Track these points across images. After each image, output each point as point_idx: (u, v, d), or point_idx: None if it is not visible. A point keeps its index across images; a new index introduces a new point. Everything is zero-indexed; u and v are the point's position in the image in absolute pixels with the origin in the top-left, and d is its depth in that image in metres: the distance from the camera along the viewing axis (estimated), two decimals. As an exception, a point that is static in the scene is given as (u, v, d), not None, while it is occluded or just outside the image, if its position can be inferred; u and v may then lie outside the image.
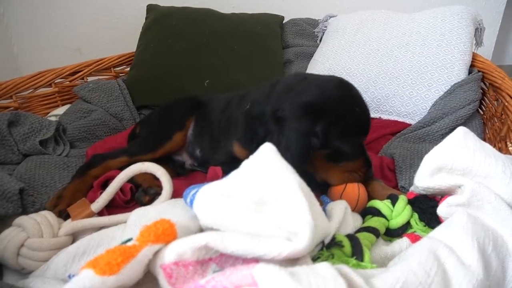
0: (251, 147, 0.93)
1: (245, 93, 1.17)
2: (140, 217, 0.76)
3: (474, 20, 1.59)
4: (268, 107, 0.95)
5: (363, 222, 0.82)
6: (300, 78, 0.99)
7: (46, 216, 0.86)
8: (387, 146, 1.30)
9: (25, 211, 1.02)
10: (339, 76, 1.02)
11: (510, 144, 1.09)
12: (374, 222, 0.78)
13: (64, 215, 0.96)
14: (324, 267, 0.48)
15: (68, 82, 1.67)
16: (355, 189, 0.90)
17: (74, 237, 0.88)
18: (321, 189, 0.95)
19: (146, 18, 1.93)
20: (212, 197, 0.64)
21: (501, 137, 1.17)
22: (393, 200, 0.83)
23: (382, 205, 0.82)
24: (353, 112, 0.89)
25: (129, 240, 0.57)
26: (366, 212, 0.84)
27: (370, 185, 0.97)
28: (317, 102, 0.88)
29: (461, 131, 0.78)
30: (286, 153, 0.81)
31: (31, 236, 0.80)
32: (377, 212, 0.81)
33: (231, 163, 0.71)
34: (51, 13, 2.28)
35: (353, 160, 0.92)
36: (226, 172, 0.70)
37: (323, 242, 0.64)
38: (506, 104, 1.22)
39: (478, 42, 1.64)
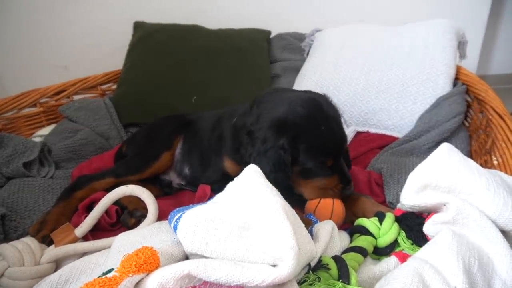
0: (240, 160, 0.98)
1: (236, 109, 1.18)
2: (124, 243, 0.75)
3: (457, 33, 1.62)
4: (248, 119, 0.98)
5: (351, 241, 0.81)
6: (279, 93, 1.04)
7: (28, 243, 0.84)
8: (375, 160, 1.30)
9: (7, 237, 1.00)
10: (324, 90, 1.04)
11: (495, 157, 1.10)
12: (361, 241, 0.78)
13: (47, 241, 0.94)
14: (307, 296, 0.47)
15: (53, 102, 1.65)
16: (328, 204, 0.91)
17: (57, 263, 0.86)
18: (298, 203, 0.94)
19: (132, 36, 1.93)
20: (196, 223, 0.63)
21: (486, 150, 1.18)
22: (381, 218, 0.82)
23: (370, 223, 0.81)
24: (319, 129, 0.90)
25: (110, 271, 0.56)
26: (354, 230, 0.83)
27: (359, 202, 0.96)
28: (282, 117, 0.91)
29: (445, 148, 0.78)
30: (258, 163, 0.86)
31: (12, 265, 0.78)
32: (364, 231, 0.81)
33: (221, 182, 0.70)
34: (37, 30, 2.27)
35: (325, 177, 0.93)
36: (216, 191, 0.70)
37: (309, 264, 0.63)
38: (490, 116, 1.24)
39: (462, 55, 1.66)
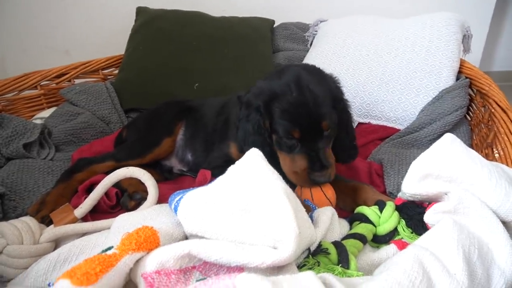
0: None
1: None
2: (124, 223, 0.75)
3: (462, 27, 1.61)
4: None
5: (351, 229, 0.81)
6: (272, 72, 1.05)
7: (27, 222, 0.83)
8: (376, 151, 1.30)
9: (6, 216, 1.00)
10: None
11: (496, 151, 1.10)
12: (361, 228, 0.78)
13: (46, 221, 0.94)
14: (307, 277, 0.47)
15: (54, 85, 1.64)
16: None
17: (56, 243, 0.86)
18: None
19: (135, 21, 1.91)
20: (197, 204, 0.62)
21: (488, 144, 1.17)
22: (381, 206, 0.82)
23: (370, 211, 0.81)
24: (290, 96, 0.89)
25: (110, 248, 0.56)
26: (354, 218, 0.83)
27: (360, 190, 0.96)
28: (263, 86, 0.95)
29: (448, 138, 0.78)
30: (244, 131, 0.96)
31: (11, 243, 0.78)
32: (364, 219, 0.81)
33: (223, 167, 0.70)
34: (39, 14, 2.25)
35: (292, 154, 0.91)
36: (216, 176, 0.69)
37: (309, 249, 0.63)
38: (493, 110, 1.23)
39: (466, 49, 1.65)
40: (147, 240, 0.57)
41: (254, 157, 0.66)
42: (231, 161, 0.69)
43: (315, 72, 0.98)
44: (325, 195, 0.90)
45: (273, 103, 0.90)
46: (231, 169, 0.67)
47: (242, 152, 0.77)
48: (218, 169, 0.73)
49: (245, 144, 0.96)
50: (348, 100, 1.04)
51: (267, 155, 0.69)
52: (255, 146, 0.71)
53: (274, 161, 0.84)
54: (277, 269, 0.57)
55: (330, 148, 0.95)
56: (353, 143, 1.04)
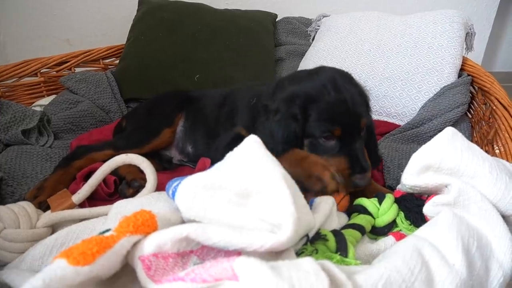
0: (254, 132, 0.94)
1: (251, 85, 1.18)
2: (122, 209, 0.74)
3: (465, 24, 1.60)
4: (268, 102, 0.96)
5: (350, 220, 0.81)
6: (297, 73, 1.02)
7: (24, 207, 0.83)
8: (376, 146, 1.29)
9: (3, 202, 0.99)
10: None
11: (497, 147, 1.10)
12: (360, 219, 0.77)
13: (44, 207, 0.93)
14: (306, 262, 0.47)
15: (54, 72, 1.63)
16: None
17: (54, 229, 0.86)
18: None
19: (137, 10, 1.90)
20: (195, 189, 0.62)
21: (488, 140, 1.17)
22: (380, 198, 0.82)
23: (369, 203, 0.81)
24: (328, 96, 0.87)
25: (107, 231, 0.55)
26: (353, 209, 0.83)
27: None
28: (295, 90, 0.91)
29: (449, 131, 0.77)
30: (271, 138, 0.88)
31: (7, 227, 0.77)
32: (363, 210, 0.81)
33: (235, 145, 0.68)
34: (41, 2, 2.24)
35: (331, 155, 0.88)
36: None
37: (307, 236, 0.63)
38: (494, 108, 1.23)
39: (469, 46, 1.65)
40: (145, 224, 0.56)
41: (253, 143, 0.65)
42: (240, 138, 0.67)
43: (347, 74, 0.97)
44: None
45: (309, 106, 0.87)
46: (229, 155, 0.67)
47: None
48: (229, 147, 0.70)
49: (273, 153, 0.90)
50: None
51: None
52: None
53: None
54: (275, 255, 0.56)
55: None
56: (376, 149, 1.04)
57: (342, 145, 0.88)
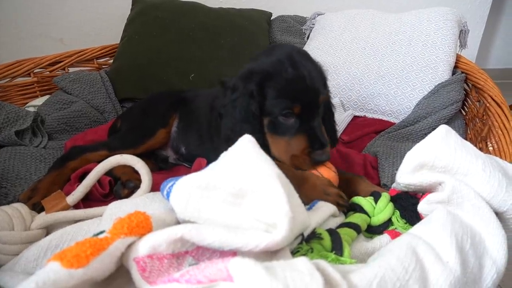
0: None
1: None
2: (116, 210, 0.74)
3: (459, 22, 1.61)
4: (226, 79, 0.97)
5: (345, 218, 0.81)
6: (258, 52, 1.01)
7: (18, 209, 0.82)
8: (371, 144, 1.30)
9: (-3, 203, 0.98)
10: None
11: (491, 145, 1.11)
12: (356, 218, 0.78)
13: (38, 208, 0.92)
14: (301, 262, 0.47)
15: (48, 72, 1.62)
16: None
17: (48, 230, 0.85)
18: None
19: (131, 10, 1.89)
20: (189, 189, 0.62)
21: (482, 137, 1.18)
22: (376, 197, 0.82)
23: (365, 201, 0.81)
24: (285, 73, 0.86)
25: (101, 232, 0.55)
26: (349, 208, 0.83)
27: (353, 182, 0.96)
28: (251, 67, 0.90)
29: (443, 129, 0.77)
30: (231, 119, 0.88)
31: (1, 229, 0.77)
32: (359, 209, 0.81)
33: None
34: (34, 1, 2.21)
35: (291, 135, 0.87)
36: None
37: (302, 235, 0.63)
38: (488, 105, 1.24)
39: (463, 44, 1.66)
40: (139, 225, 0.56)
41: (247, 143, 0.65)
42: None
43: (303, 51, 0.97)
44: (332, 170, 0.88)
45: (267, 84, 0.86)
46: (223, 155, 0.67)
47: (228, 142, 0.70)
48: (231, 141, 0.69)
49: (233, 133, 0.90)
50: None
51: (258, 142, 0.67)
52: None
53: (265, 149, 0.82)
54: (270, 255, 0.56)
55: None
56: (334, 128, 1.03)
57: (301, 123, 0.87)
